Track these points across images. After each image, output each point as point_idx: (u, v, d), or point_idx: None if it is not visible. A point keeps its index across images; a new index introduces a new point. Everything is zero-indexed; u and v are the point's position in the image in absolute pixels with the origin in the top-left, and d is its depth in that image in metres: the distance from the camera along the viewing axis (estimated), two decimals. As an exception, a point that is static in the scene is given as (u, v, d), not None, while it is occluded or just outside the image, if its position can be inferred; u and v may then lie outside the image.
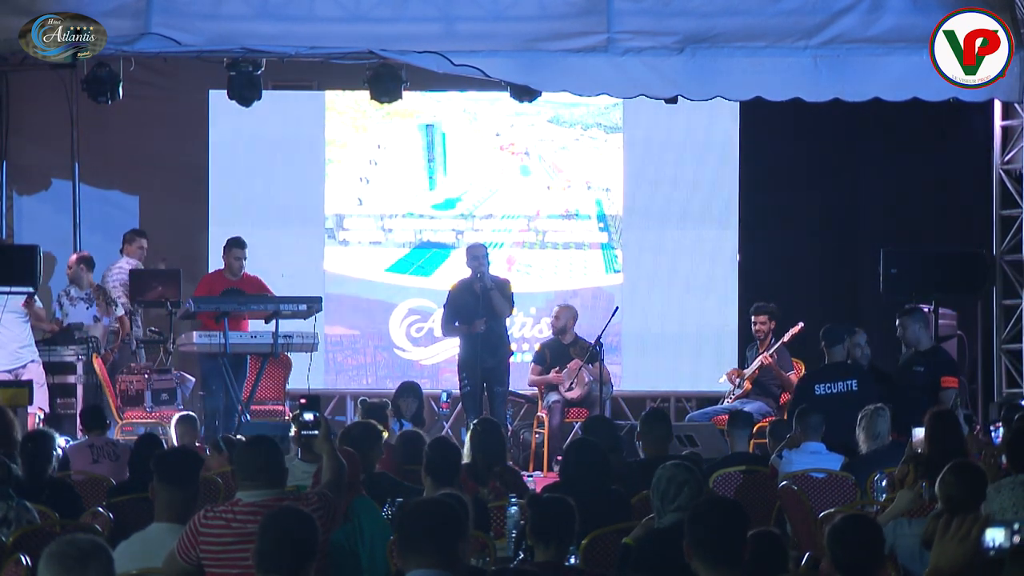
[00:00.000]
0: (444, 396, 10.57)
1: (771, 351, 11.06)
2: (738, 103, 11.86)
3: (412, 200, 12.83)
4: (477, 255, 10.77)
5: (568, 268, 12.84)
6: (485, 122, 12.85)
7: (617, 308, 11.67)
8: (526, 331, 12.73)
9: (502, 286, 10.80)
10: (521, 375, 11.77)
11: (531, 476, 10.61)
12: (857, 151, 12.60)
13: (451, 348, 11.41)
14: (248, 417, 10.33)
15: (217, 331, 10.28)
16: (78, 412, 10.50)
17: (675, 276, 12.75)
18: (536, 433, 11.56)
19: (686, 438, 9.54)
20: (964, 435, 7.24)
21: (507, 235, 12.83)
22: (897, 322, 9.68)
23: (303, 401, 5.70)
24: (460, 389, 10.77)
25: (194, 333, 10.41)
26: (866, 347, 9.68)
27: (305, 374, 10.37)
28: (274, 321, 10.42)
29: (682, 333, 12.69)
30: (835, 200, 12.73)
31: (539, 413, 11.58)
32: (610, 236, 12.85)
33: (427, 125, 12.81)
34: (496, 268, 11.53)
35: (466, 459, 7.19)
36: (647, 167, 12.82)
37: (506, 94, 11.18)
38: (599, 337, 11.06)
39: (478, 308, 10.61)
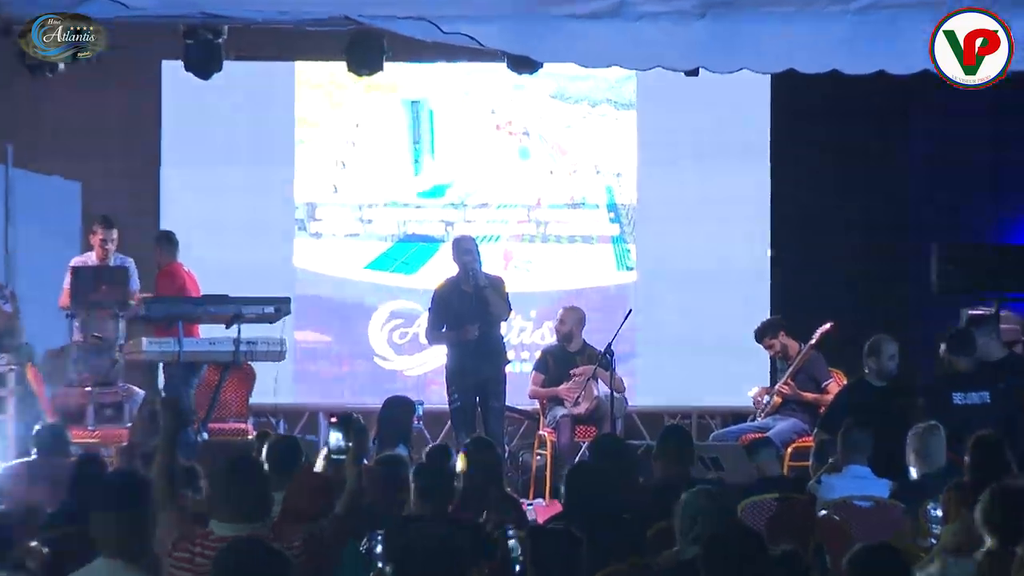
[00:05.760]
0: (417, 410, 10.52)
1: (789, 375, 11.03)
2: (768, 76, 11.90)
3: (395, 187, 12.82)
4: (467, 248, 10.74)
5: (574, 265, 12.85)
6: (478, 98, 12.84)
7: (631, 311, 11.62)
8: (525, 337, 12.74)
9: (496, 284, 10.76)
10: (519, 388, 11.78)
11: (531, 504, 10.62)
12: (902, 135, 12.58)
13: (440, 357, 11.42)
14: (206, 436, 10.30)
15: (170, 337, 10.25)
16: (10, 431, 10.46)
17: (697, 274, 12.75)
18: (537, 455, 11.54)
19: (710, 460, 9.51)
20: (1011, 462, 7.25)
21: (504, 227, 12.83)
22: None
23: (333, 420, 5.80)
24: (449, 404, 10.75)
25: (143, 339, 10.41)
26: (894, 359, 9.66)
27: (272, 386, 10.41)
28: (236, 326, 10.40)
29: (705, 339, 12.70)
30: (878, 189, 12.71)
31: (541, 431, 11.56)
32: (622, 228, 12.86)
33: (412, 101, 12.82)
34: (492, 265, 11.54)
35: (458, 484, 7.21)
36: (665, 149, 12.83)
37: (502, 66, 11.12)
38: (610, 344, 11.02)
39: (469, 311, 10.59)
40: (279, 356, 10.61)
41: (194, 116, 12.57)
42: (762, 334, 11.33)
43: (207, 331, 11.03)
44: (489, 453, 7.53)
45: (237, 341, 10.41)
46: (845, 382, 10.85)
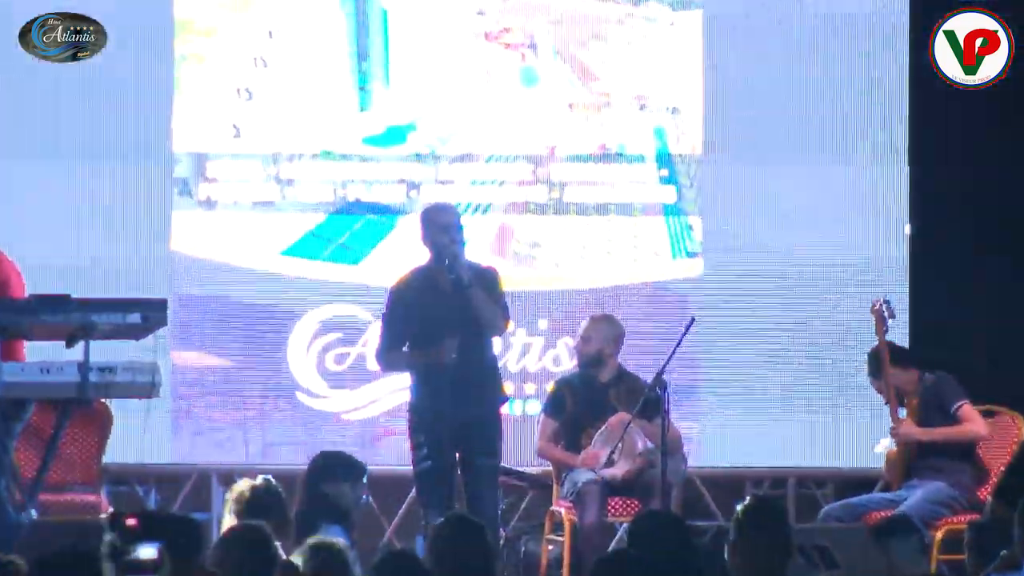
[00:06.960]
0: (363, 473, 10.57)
1: (910, 415, 11.05)
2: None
3: (330, 129, 12.92)
4: (444, 223, 10.62)
5: (606, 249, 12.90)
6: (457, -8, 13.05)
7: (693, 320, 11.52)
8: (531, 361, 12.84)
9: (486, 279, 10.66)
10: (523, 439, 11.94)
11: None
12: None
13: (400, 392, 11.50)
14: (35, 513, 10.21)
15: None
16: None
17: (795, 262, 12.82)
18: (549, 542, 11.55)
19: (817, 552, 9.43)
20: None
21: (498, 191, 12.91)
22: None
23: (131, 522, 5.94)
24: (414, 464, 10.67)
25: (-66, 367, 10.35)
26: None
27: (138, 436, 10.19)
28: (82, 343, 10.25)
29: (806, 363, 12.68)
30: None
31: (555, 507, 11.52)
32: (680, 192, 12.92)
33: (356, -2, 13.06)
34: (480, 249, 11.70)
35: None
36: (745, 72, 12.94)
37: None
38: (662, 371, 10.94)
39: (446, 320, 10.53)
40: (150, 390, 10.39)
41: (19, 21, 12.32)
42: (871, 371, 11.37)
43: (37, 351, 10.89)
44: (474, 540, 7.51)
45: (84, 367, 10.25)
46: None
